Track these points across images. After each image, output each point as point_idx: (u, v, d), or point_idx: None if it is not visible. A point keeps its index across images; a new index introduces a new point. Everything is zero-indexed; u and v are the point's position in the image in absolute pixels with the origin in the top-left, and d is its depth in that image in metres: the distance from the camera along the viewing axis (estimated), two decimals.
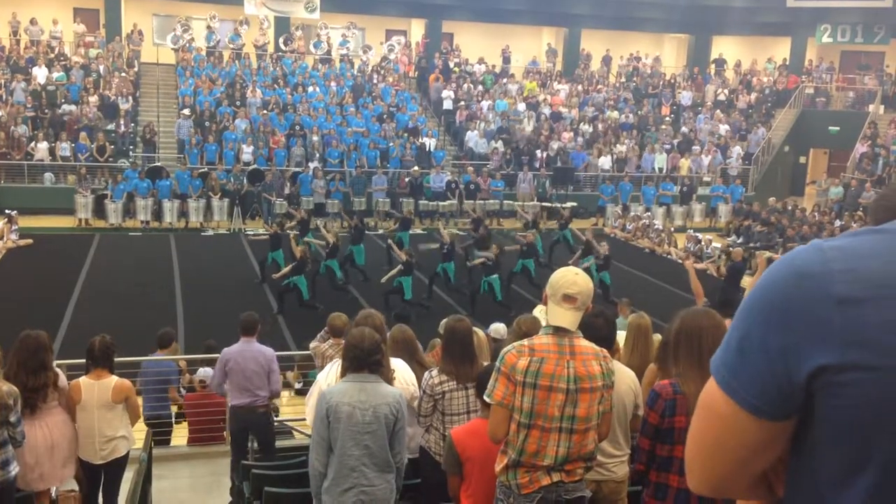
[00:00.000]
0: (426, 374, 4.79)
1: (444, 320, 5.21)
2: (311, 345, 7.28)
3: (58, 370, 5.62)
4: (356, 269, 16.04)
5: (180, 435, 8.65)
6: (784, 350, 1.13)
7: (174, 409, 8.87)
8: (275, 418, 8.02)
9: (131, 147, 23.40)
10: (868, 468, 1.10)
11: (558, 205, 21.99)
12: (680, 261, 19.70)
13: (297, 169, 22.51)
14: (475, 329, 5.28)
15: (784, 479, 1.26)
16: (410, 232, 18.40)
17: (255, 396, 6.85)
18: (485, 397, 3.43)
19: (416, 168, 23.07)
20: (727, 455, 1.22)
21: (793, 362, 1.12)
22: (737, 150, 27.25)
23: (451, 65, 30.19)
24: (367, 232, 17.43)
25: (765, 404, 1.15)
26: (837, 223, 20.82)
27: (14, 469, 4.90)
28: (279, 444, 7.61)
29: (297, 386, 10.53)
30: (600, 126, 27.70)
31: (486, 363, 4.70)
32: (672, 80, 31.87)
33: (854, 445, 1.10)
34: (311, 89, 26.63)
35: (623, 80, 32.00)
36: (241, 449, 7.10)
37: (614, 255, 18.14)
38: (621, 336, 5.15)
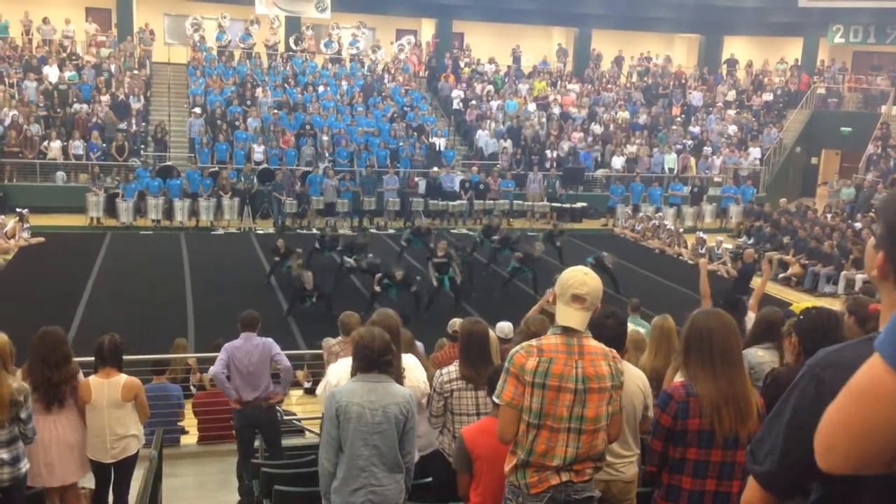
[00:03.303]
0: (437, 373, 4.79)
1: (460, 322, 5.20)
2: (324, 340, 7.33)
3: (77, 366, 5.67)
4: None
5: (190, 433, 8.67)
6: None
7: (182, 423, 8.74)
8: (284, 416, 8.02)
9: (142, 146, 23.49)
10: None
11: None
12: (692, 261, 19.65)
13: (308, 168, 22.55)
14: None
15: None
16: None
17: (258, 391, 6.88)
18: (493, 398, 3.42)
19: (435, 169, 23.07)
20: (883, 435, 1.28)
21: None
22: (754, 151, 27.16)
23: (462, 65, 30.20)
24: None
25: None
26: (857, 225, 20.69)
27: (24, 466, 4.91)
28: (289, 442, 7.62)
29: (307, 385, 10.55)
30: (611, 126, 27.66)
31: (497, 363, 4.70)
32: (683, 81, 31.78)
33: None
34: (321, 89, 26.68)
35: (634, 80, 31.94)
36: (248, 447, 7.10)
37: (623, 255, 18.15)
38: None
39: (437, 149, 24.93)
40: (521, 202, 23.44)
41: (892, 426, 1.26)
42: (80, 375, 5.65)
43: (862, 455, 1.31)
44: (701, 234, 20.40)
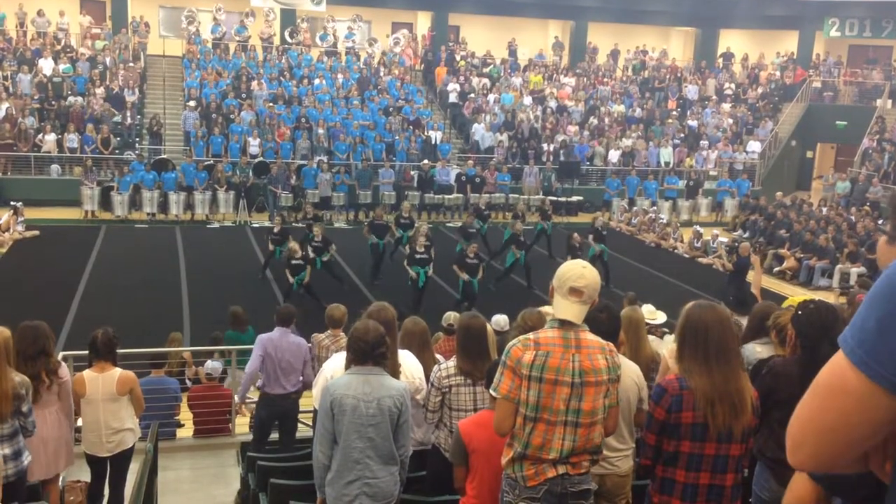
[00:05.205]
0: (435, 368, 4.78)
1: (458, 317, 5.18)
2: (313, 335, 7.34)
3: (61, 361, 5.59)
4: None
5: (186, 427, 8.67)
6: None
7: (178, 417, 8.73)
8: None
9: (137, 139, 23.43)
10: None
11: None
12: (687, 255, 19.66)
13: (303, 162, 22.50)
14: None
15: (889, 453, 1.31)
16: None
17: (288, 384, 6.97)
18: (490, 391, 3.43)
19: (426, 162, 23.04)
20: (849, 431, 1.27)
21: None
22: (753, 145, 27.18)
23: (458, 58, 30.15)
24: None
25: None
26: (852, 218, 20.70)
27: (26, 459, 4.89)
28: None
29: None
30: (606, 119, 27.65)
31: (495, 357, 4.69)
32: (679, 74, 31.77)
33: None
34: (316, 82, 26.61)
35: (630, 73, 31.92)
36: (266, 437, 7.14)
37: (619, 248, 18.15)
38: None
39: (433, 142, 24.90)
40: (516, 196, 23.42)
41: (855, 421, 1.25)
42: (65, 371, 5.51)
43: (829, 452, 1.30)
44: (698, 229, 20.42)
